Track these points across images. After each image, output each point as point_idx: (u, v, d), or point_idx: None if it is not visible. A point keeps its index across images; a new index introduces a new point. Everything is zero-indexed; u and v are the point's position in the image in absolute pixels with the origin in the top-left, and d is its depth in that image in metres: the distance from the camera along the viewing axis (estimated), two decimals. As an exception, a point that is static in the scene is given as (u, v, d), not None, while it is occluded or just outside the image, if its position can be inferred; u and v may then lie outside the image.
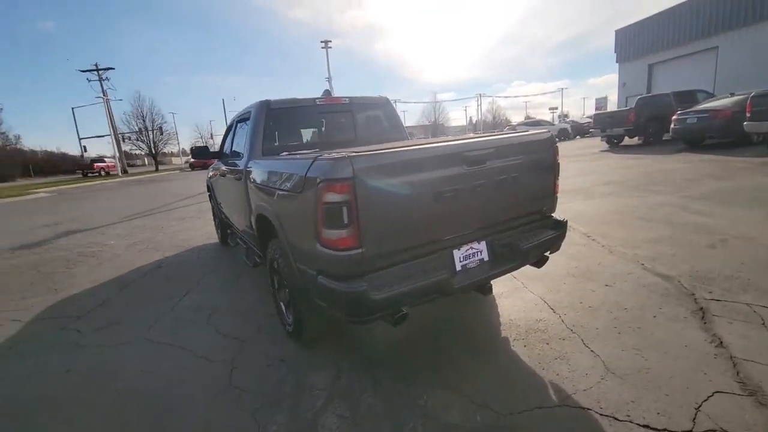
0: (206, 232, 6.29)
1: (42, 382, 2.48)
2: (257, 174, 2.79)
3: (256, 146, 3.15)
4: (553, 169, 2.53)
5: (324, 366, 2.38)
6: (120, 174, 36.21)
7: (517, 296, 3.01)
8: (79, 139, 44.66)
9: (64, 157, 62.11)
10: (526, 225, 2.50)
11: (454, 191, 2.03)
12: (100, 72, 38.06)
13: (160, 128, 40.31)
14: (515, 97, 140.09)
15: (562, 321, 2.58)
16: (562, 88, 63.20)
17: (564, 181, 9.10)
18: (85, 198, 15.66)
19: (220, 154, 4.48)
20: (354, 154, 1.78)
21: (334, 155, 1.80)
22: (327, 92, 3.62)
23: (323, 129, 3.68)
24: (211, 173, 5.29)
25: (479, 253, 2.27)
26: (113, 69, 38.86)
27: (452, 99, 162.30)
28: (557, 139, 2.63)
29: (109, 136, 39.55)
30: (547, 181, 2.52)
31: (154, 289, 4.01)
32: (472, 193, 2.10)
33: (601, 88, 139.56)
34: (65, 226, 8.36)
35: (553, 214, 2.68)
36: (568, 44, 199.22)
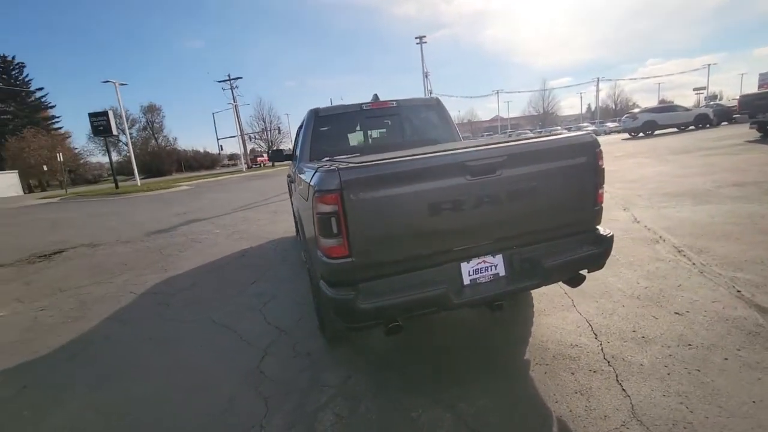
0: (287, 227, 6.97)
1: (127, 347, 3.10)
2: (296, 177, 3.03)
3: (304, 151, 3.41)
4: (594, 177, 2.21)
5: (342, 364, 2.50)
6: (244, 170, 41.80)
7: (560, 315, 2.72)
8: (217, 139, 52.84)
9: (206, 155, 74.33)
10: (559, 239, 2.23)
11: (454, 202, 1.94)
12: (231, 81, 44.43)
13: (278, 128, 45.36)
14: (645, 78, 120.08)
15: (602, 350, 2.26)
16: (709, 64, 52.51)
17: (675, 180, 7.60)
18: (214, 191, 18.56)
19: (292, 156, 4.93)
20: (344, 165, 1.83)
21: (326, 167, 1.88)
22: (375, 97, 3.70)
23: (370, 133, 3.78)
24: (289, 173, 5.86)
25: (494, 267, 2.12)
26: (241, 78, 45.07)
27: (566, 86, 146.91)
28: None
29: (237, 137, 46.00)
30: (584, 190, 2.22)
31: (233, 275, 4.63)
32: (479, 204, 1.98)
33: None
34: (191, 215, 10.07)
35: (598, 227, 2.34)
36: (722, 8, 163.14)
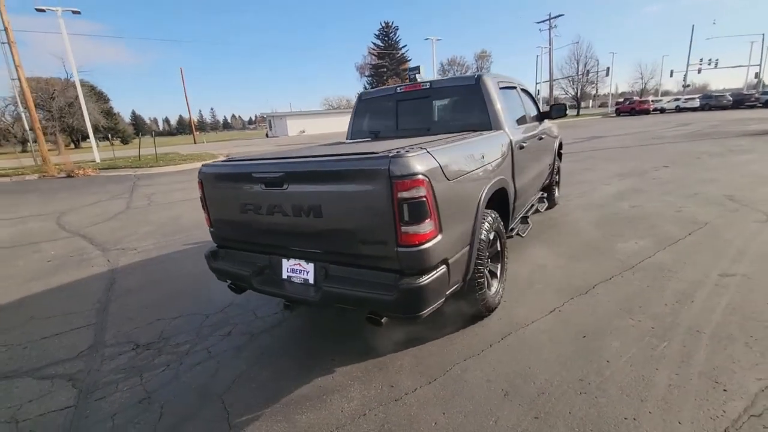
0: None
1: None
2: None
3: (348, 131, 3.95)
4: (389, 210, 1.80)
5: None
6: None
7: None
8: (536, 83, 50.73)
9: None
10: (363, 269, 2.03)
11: (255, 206, 2.26)
12: (551, 20, 41.46)
13: (587, 72, 39.73)
14: None
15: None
16: None
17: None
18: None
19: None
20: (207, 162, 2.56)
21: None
22: (414, 78, 3.54)
23: (400, 116, 3.71)
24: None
25: (306, 273, 2.29)
26: (562, 15, 41.07)
27: None
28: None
29: (546, 83, 43.78)
30: (377, 224, 1.86)
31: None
32: (272, 212, 2.20)
33: None
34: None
35: (408, 270, 1.88)
36: None
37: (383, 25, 63.38)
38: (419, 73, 25.69)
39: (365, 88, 67.29)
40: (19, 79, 16.51)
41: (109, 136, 48.33)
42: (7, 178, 13.75)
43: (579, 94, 42.86)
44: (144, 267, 4.44)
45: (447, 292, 2.11)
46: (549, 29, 41.95)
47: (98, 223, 6.84)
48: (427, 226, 1.84)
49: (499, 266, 2.89)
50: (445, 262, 2.01)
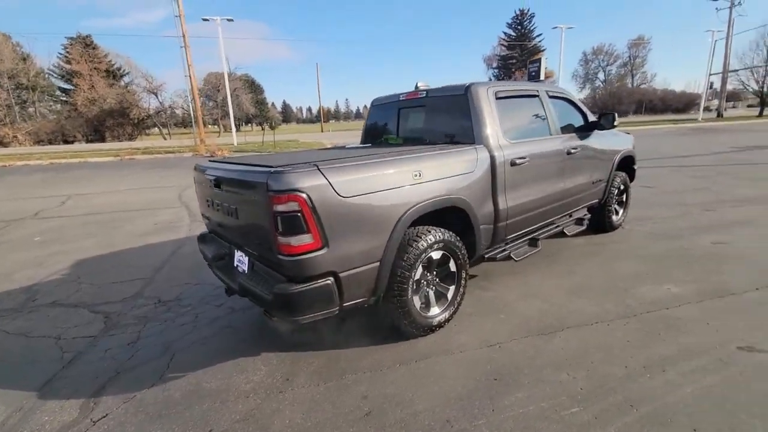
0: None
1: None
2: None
3: (362, 136, 4.14)
4: (267, 221, 1.99)
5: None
6: (700, 119, 32.83)
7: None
8: (708, 74, 40.85)
9: (681, 95, 62.56)
10: (270, 268, 2.28)
11: (210, 202, 2.68)
12: (734, -3, 33.10)
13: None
14: None
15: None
16: None
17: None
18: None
19: None
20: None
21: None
22: (416, 86, 3.47)
23: (401, 124, 3.68)
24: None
25: (244, 264, 2.64)
26: (753, -12, 32.39)
27: None
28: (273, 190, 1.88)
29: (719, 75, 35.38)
30: (264, 232, 2.06)
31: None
32: (219, 209, 2.58)
33: None
34: None
35: (292, 277, 2.06)
36: None
37: (517, 13, 59.40)
38: (540, 65, 23.55)
39: (491, 80, 64.53)
40: (190, 76, 20.78)
41: (261, 123, 56.95)
42: (171, 154, 17.66)
43: (766, 89, 33.43)
44: (204, 239, 5.45)
45: (343, 304, 2.20)
46: (730, 7, 33.67)
47: (203, 197, 8.46)
48: (304, 238, 1.97)
49: (452, 288, 2.76)
50: (333, 274, 2.10)
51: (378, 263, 2.29)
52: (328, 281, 2.08)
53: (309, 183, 1.97)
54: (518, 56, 59.80)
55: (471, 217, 2.76)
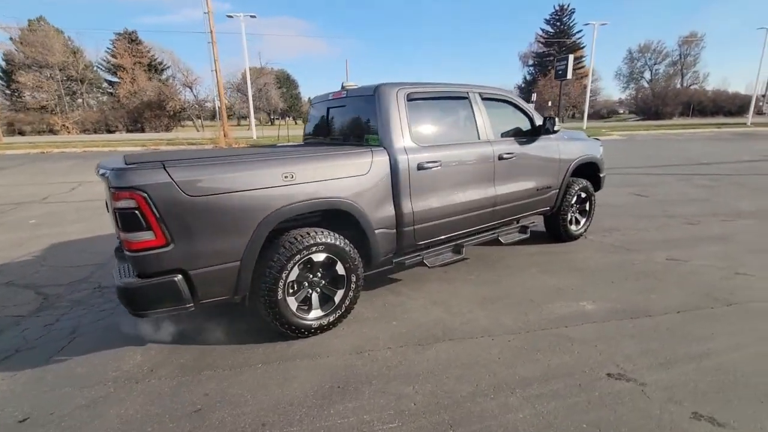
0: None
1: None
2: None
3: (303, 135, 4.16)
4: (114, 218, 2.06)
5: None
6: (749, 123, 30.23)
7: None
8: (758, 75, 38.57)
9: (734, 97, 57.97)
10: None
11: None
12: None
13: None
14: None
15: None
16: None
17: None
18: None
19: None
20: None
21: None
22: (342, 85, 3.43)
23: (330, 122, 3.66)
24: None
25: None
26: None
27: None
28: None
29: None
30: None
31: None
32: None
33: None
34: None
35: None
36: None
37: (557, 9, 57.09)
38: (568, 63, 22.60)
39: (525, 78, 62.54)
40: (216, 71, 21.56)
41: (295, 117, 58.20)
42: (193, 145, 18.43)
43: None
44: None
45: (200, 301, 2.23)
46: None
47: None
48: (144, 235, 2.02)
49: (340, 291, 2.73)
50: (182, 271, 2.14)
51: (238, 263, 2.30)
52: (174, 278, 2.12)
53: (150, 181, 2.01)
54: (556, 53, 57.55)
55: (360, 221, 2.72)
